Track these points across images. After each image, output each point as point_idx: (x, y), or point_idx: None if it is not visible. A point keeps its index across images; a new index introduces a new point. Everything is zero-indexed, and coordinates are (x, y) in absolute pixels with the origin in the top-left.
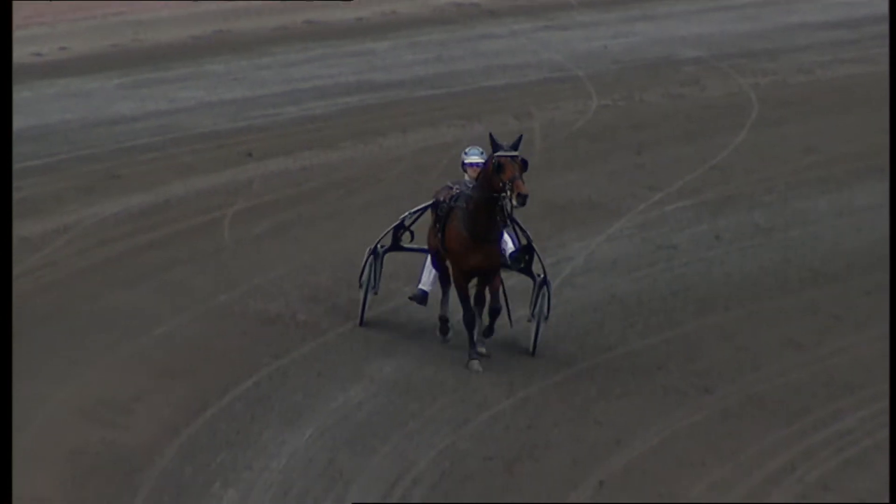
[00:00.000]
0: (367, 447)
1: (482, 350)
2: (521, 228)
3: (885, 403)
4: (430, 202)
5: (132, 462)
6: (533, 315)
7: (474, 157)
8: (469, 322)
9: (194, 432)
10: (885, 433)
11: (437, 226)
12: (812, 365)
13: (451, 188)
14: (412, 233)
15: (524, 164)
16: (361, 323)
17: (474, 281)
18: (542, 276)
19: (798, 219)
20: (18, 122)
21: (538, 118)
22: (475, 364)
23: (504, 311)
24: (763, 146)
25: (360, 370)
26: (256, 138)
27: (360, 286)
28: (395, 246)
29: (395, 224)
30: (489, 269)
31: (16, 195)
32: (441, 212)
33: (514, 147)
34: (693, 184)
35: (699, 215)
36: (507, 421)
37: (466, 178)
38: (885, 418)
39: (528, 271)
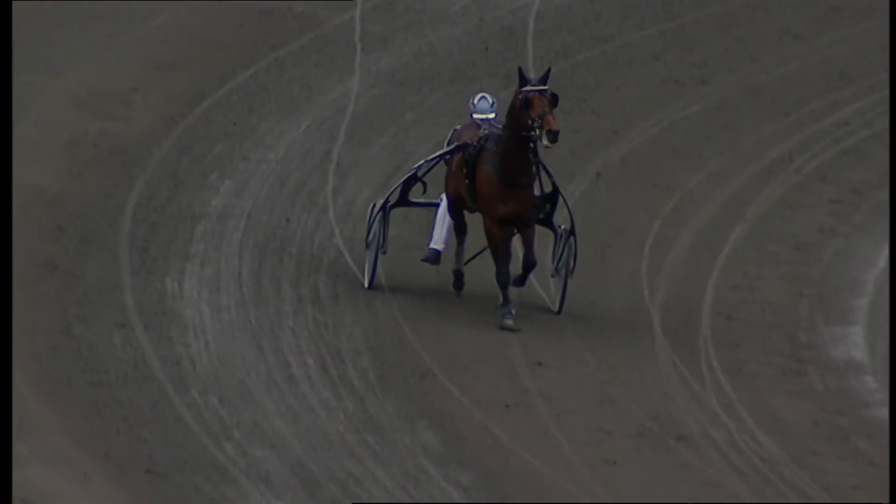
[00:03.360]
0: (365, 138)
1: (513, 312)
2: (547, 173)
3: (884, 94)
4: (450, 147)
5: (130, 153)
6: (557, 270)
7: (481, 114)
8: (504, 279)
9: (191, 123)
10: (883, 123)
11: (465, 171)
12: (810, 55)
13: (479, 127)
14: (424, 184)
15: (554, 99)
16: (370, 286)
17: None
18: (563, 227)
19: None
20: None
21: None
22: (509, 322)
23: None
24: None
25: (357, 62)
26: None
27: (367, 247)
28: (404, 201)
29: (406, 176)
30: (523, 216)
31: None
32: (469, 155)
33: (543, 81)
34: None
35: None
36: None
37: None
38: (884, 109)
39: (548, 221)
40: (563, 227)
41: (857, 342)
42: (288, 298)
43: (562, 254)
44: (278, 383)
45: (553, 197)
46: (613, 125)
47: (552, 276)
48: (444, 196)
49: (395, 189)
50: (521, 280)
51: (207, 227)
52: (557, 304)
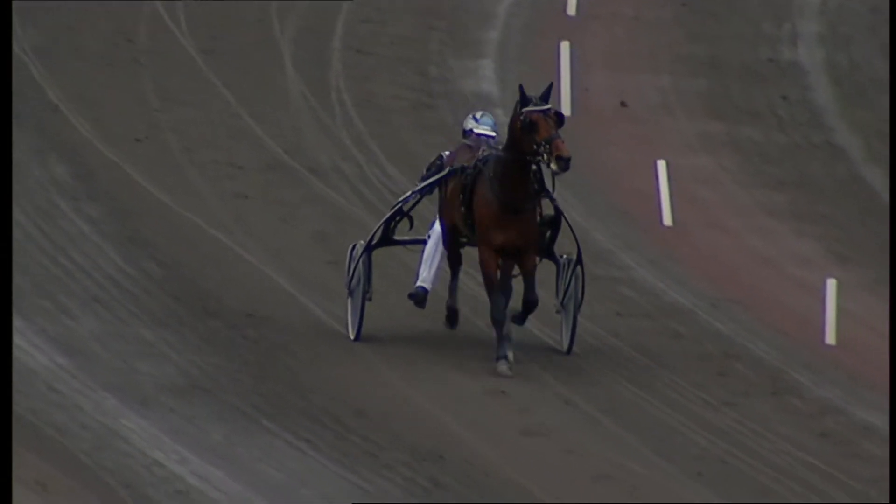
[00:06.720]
0: None
1: (510, 356)
2: (549, 196)
3: None
4: (443, 174)
5: None
6: (563, 305)
7: (485, 127)
8: (499, 315)
9: None
10: None
11: (462, 196)
12: None
13: (478, 149)
14: (411, 219)
15: (560, 119)
16: (357, 338)
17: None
18: (565, 256)
19: None
20: None
21: None
22: (503, 367)
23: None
24: None
25: None
26: None
27: (350, 294)
28: (386, 239)
29: (390, 212)
30: (522, 246)
31: None
32: (467, 179)
33: (545, 98)
34: None
35: None
36: None
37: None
38: None
39: (549, 251)
40: (565, 256)
41: (487, 75)
42: None
43: (567, 286)
44: None
45: (555, 222)
46: None
47: (557, 311)
48: (430, 233)
49: (378, 227)
50: (521, 318)
51: None
52: (567, 344)
